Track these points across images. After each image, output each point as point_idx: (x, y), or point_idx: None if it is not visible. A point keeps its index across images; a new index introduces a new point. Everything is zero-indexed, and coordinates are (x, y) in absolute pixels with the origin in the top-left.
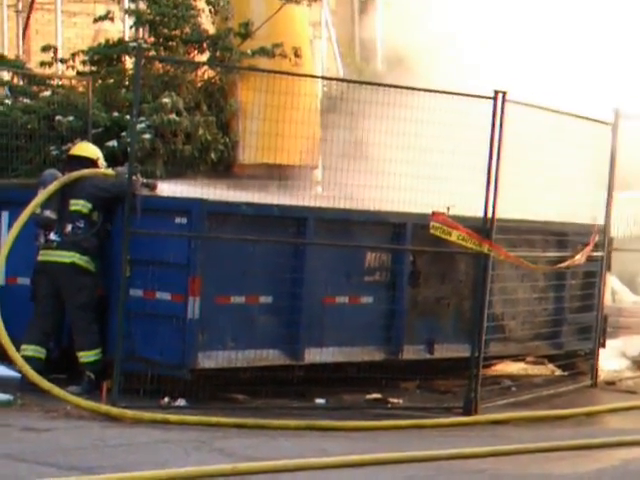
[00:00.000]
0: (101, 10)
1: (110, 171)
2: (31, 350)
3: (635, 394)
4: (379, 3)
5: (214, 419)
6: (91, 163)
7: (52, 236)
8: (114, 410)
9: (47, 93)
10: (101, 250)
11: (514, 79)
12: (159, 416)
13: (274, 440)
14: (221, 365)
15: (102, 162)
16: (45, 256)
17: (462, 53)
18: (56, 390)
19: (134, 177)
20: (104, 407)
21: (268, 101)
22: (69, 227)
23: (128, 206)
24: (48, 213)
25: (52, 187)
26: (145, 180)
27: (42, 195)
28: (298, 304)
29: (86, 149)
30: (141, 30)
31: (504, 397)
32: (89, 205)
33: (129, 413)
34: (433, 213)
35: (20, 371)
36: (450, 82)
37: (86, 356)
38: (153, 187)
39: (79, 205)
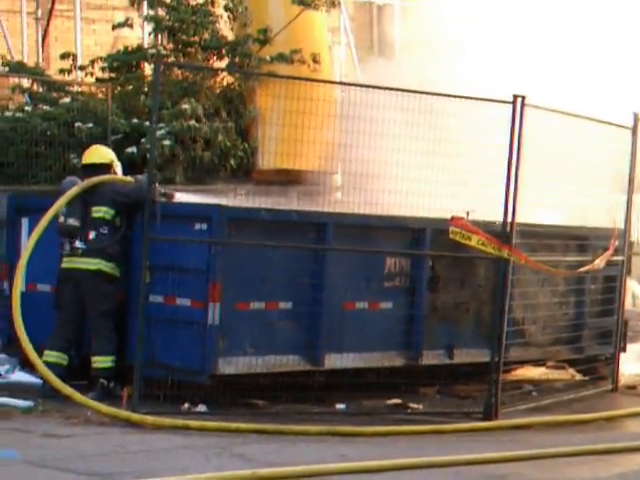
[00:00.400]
0: (120, 17)
1: (129, 178)
2: (54, 357)
3: None
4: (397, 8)
5: (234, 425)
6: (106, 168)
7: (77, 244)
8: (135, 416)
9: (66, 100)
10: (125, 256)
11: (533, 83)
12: (180, 422)
13: (294, 445)
14: (241, 371)
15: (117, 163)
16: (70, 263)
17: (480, 58)
18: (77, 396)
19: (153, 185)
20: (125, 413)
21: (287, 107)
22: (93, 234)
23: (148, 212)
24: (72, 221)
25: (72, 192)
26: (163, 190)
27: (62, 200)
28: (318, 310)
29: (98, 154)
30: (160, 37)
31: (525, 402)
32: (112, 211)
33: (150, 419)
34: (452, 218)
35: (42, 377)
36: (469, 87)
37: (101, 362)
38: (170, 197)
39: (102, 212)
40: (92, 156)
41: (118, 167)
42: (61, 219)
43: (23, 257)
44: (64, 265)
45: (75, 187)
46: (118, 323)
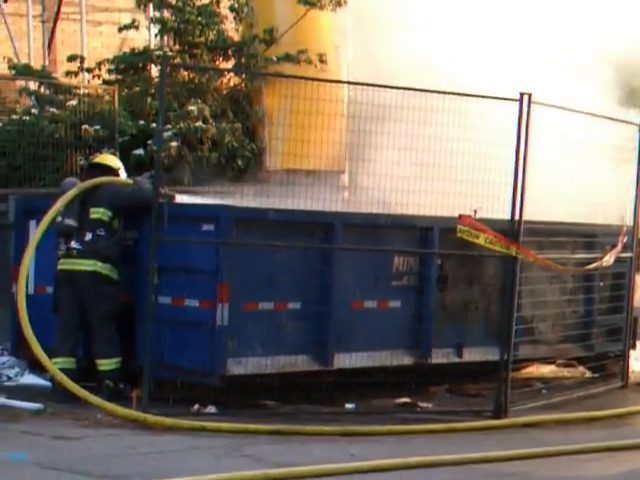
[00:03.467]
0: (126, 19)
1: (129, 180)
2: (61, 363)
3: None
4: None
5: (251, 426)
6: (112, 173)
7: (73, 244)
8: (150, 418)
9: (73, 102)
10: (122, 258)
11: (540, 81)
12: (197, 424)
13: (304, 446)
14: (250, 371)
15: (123, 173)
16: (66, 265)
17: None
18: (92, 398)
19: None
20: (142, 415)
21: (294, 107)
22: (89, 235)
23: (155, 214)
24: (69, 221)
25: (71, 194)
26: (163, 191)
27: (61, 202)
28: (326, 310)
29: (108, 159)
30: (166, 38)
31: (534, 400)
32: (109, 213)
33: (166, 421)
34: (460, 216)
35: (55, 380)
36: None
37: (105, 364)
38: (171, 198)
39: (99, 213)
40: (103, 158)
41: (123, 176)
42: (58, 219)
43: (25, 259)
44: (60, 267)
45: (74, 188)
46: (121, 325)
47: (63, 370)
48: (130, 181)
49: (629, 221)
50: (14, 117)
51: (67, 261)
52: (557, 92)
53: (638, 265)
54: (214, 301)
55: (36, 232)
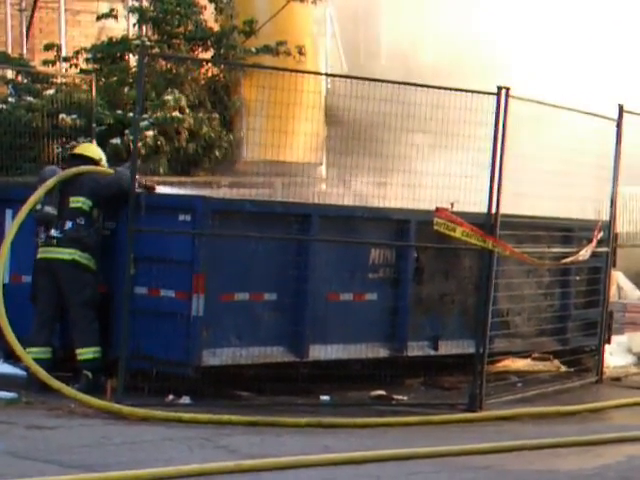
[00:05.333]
0: (104, 8)
1: (110, 170)
2: (35, 352)
3: None
4: None
5: (226, 417)
6: (93, 163)
7: (53, 232)
8: (125, 409)
9: (51, 91)
10: (100, 248)
11: (518, 75)
12: (172, 414)
13: (279, 437)
14: (225, 362)
15: (104, 164)
16: (45, 253)
17: (465, 49)
18: (66, 389)
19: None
20: (116, 406)
21: (272, 98)
22: (69, 224)
23: (132, 204)
24: (48, 209)
25: (50, 182)
26: (144, 181)
27: (40, 191)
28: (302, 301)
29: (89, 149)
30: (144, 28)
31: (509, 393)
32: (89, 202)
33: (141, 412)
34: (437, 209)
35: (29, 371)
36: (455, 79)
37: (85, 353)
38: (151, 188)
39: (79, 202)
40: (85, 149)
41: (105, 167)
42: (38, 207)
43: (3, 248)
44: (39, 255)
45: (54, 177)
46: (99, 314)
47: (39, 360)
48: (111, 170)
49: (606, 216)
50: None
51: (46, 250)
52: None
53: (614, 260)
54: (190, 291)
55: (15, 221)
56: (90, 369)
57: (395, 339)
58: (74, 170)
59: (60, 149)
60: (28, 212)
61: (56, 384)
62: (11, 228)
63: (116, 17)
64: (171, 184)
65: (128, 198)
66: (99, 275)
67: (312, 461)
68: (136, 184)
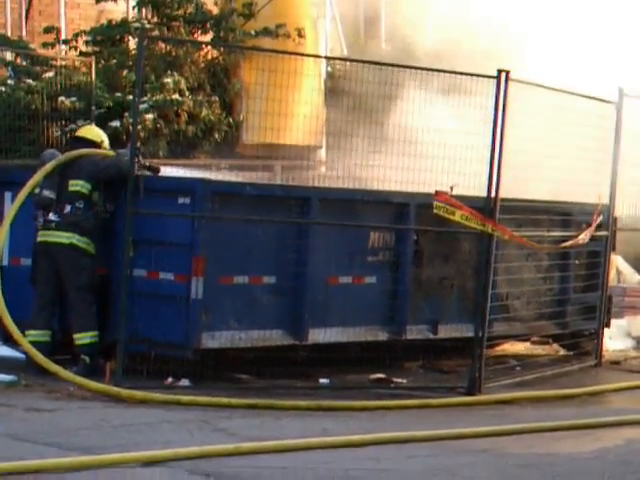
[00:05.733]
0: None
1: (110, 152)
2: (34, 335)
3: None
4: None
5: (225, 400)
6: (94, 146)
7: (51, 216)
8: (124, 392)
9: (50, 74)
10: (100, 231)
11: (519, 58)
12: (170, 397)
13: (278, 420)
14: (225, 345)
15: (106, 146)
16: (44, 237)
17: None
18: (63, 373)
19: (136, 159)
20: (114, 389)
21: (271, 81)
22: (68, 207)
23: (131, 186)
24: (47, 193)
25: (49, 166)
26: (148, 163)
27: (40, 174)
28: (302, 284)
29: (91, 131)
30: (144, 10)
31: (509, 377)
32: (88, 185)
33: (139, 394)
34: (436, 192)
35: (27, 354)
36: (457, 61)
37: (82, 338)
38: (155, 170)
39: (78, 186)
40: (86, 131)
41: (106, 149)
42: (37, 190)
43: (2, 230)
44: (39, 239)
45: (53, 160)
46: (98, 298)
47: (37, 343)
48: (112, 153)
49: (605, 200)
50: None
51: (45, 233)
52: None
53: (614, 244)
54: (189, 274)
55: (13, 204)
56: (88, 353)
57: (394, 322)
58: (74, 153)
59: (59, 132)
60: (27, 195)
61: (54, 367)
62: (10, 211)
63: (116, 0)
64: (171, 166)
65: (127, 179)
66: (98, 259)
67: (311, 444)
68: (139, 166)
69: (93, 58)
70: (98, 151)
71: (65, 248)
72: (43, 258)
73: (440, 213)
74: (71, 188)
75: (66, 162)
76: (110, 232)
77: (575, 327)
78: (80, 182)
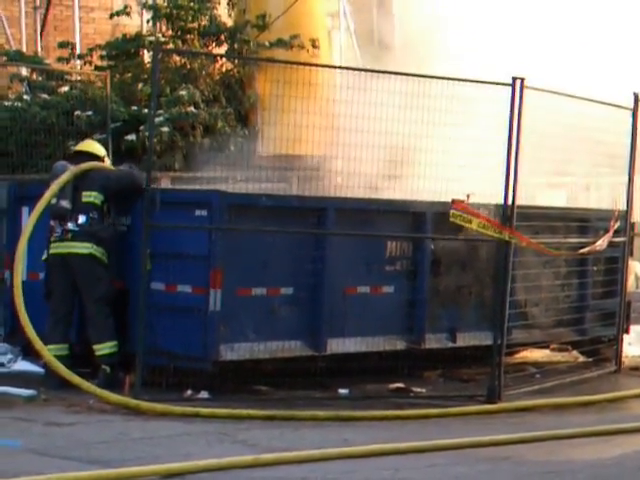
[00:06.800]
0: (119, 5)
1: (120, 167)
2: (53, 349)
3: None
4: None
5: (244, 412)
6: (97, 159)
7: (69, 226)
8: (143, 404)
9: (65, 88)
10: (114, 242)
11: (532, 65)
12: (190, 409)
13: (298, 431)
14: (243, 357)
15: (107, 160)
16: (58, 248)
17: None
18: (85, 385)
19: (137, 171)
20: (134, 401)
21: (286, 92)
22: (83, 218)
23: (147, 199)
24: (64, 203)
25: (64, 177)
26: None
27: (55, 185)
28: (319, 295)
29: (93, 146)
30: (158, 24)
31: (528, 384)
32: (101, 197)
33: (159, 407)
34: (453, 201)
35: (48, 367)
36: (468, 70)
37: (102, 349)
38: (158, 183)
39: (91, 197)
40: (88, 146)
41: (107, 163)
42: (53, 201)
43: (21, 244)
44: (53, 250)
45: (67, 172)
46: (116, 310)
47: (56, 357)
48: (121, 168)
49: (622, 206)
50: (6, 103)
51: (61, 244)
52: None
53: (631, 249)
54: (207, 287)
55: (31, 217)
56: (108, 363)
57: (413, 331)
58: (87, 165)
59: (75, 146)
60: (44, 207)
61: (76, 379)
62: (28, 224)
63: (130, 14)
64: (187, 179)
65: (138, 190)
66: (113, 269)
67: (331, 454)
68: (143, 178)
69: (108, 72)
70: (108, 165)
71: (83, 258)
72: (58, 270)
73: (457, 221)
74: (84, 199)
75: (79, 174)
76: (127, 245)
77: (594, 334)
78: (93, 193)
